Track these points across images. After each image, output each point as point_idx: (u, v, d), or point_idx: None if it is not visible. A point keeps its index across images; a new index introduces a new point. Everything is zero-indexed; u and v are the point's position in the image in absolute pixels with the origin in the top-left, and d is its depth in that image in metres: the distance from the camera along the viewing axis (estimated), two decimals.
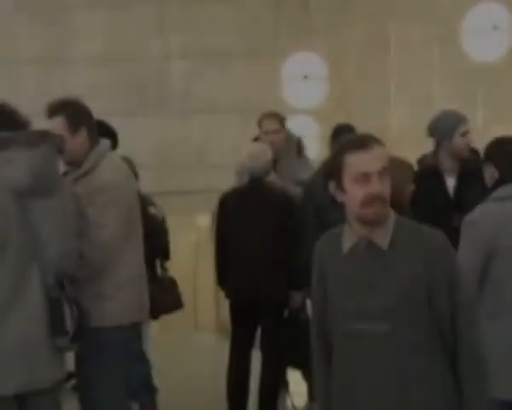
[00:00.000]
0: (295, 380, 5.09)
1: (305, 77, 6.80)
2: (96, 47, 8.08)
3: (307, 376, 5.05)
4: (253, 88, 7.80)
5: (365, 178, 2.05)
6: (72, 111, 3.24)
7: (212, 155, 8.02)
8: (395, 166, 3.82)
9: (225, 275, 4.41)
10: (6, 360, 2.71)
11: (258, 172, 4.41)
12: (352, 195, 2.07)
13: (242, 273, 4.33)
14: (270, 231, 4.33)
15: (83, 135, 3.23)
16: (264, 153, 4.45)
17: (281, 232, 4.33)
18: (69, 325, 2.81)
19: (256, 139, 4.95)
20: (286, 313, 4.49)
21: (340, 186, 2.10)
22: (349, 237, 2.14)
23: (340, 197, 2.12)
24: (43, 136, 2.79)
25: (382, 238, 2.10)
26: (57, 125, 3.21)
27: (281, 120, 4.94)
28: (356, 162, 2.06)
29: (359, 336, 2.10)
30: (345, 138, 2.19)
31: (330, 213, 3.25)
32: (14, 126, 2.80)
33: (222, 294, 4.79)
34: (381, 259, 2.10)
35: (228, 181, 5.26)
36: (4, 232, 2.70)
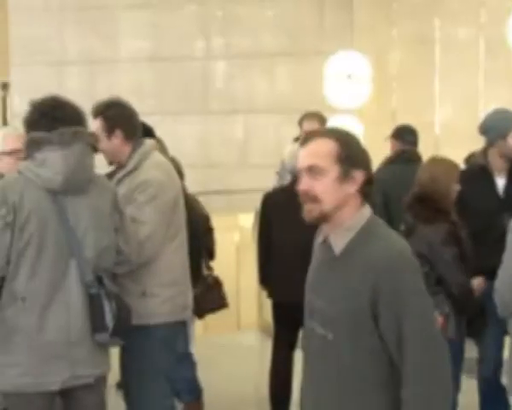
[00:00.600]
0: None
1: (349, 76, 6.76)
2: (141, 48, 8.17)
3: None
4: (295, 88, 7.79)
5: (300, 174, 2.03)
6: (110, 114, 3.30)
7: (255, 154, 8.03)
8: (440, 166, 3.81)
9: (268, 275, 4.40)
10: (49, 357, 2.76)
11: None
12: None
13: (285, 273, 4.32)
14: (313, 231, 4.31)
15: (118, 137, 3.29)
16: None
17: None
18: (108, 320, 2.82)
19: (297, 139, 4.96)
20: None
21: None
22: (323, 230, 2.11)
23: None
24: (75, 134, 2.79)
25: (338, 242, 2.01)
26: (96, 127, 3.30)
27: (321, 120, 4.95)
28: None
29: (310, 334, 2.09)
30: None
31: None
32: (55, 124, 2.79)
33: (264, 293, 4.79)
34: (332, 264, 2.03)
35: (270, 181, 5.27)
36: (42, 231, 2.74)
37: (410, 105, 7.32)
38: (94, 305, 2.82)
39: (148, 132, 3.80)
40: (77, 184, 2.81)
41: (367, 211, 2.01)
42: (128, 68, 8.11)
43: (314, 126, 4.87)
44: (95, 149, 2.93)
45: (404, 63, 7.55)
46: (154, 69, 8.09)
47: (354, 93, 6.81)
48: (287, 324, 4.39)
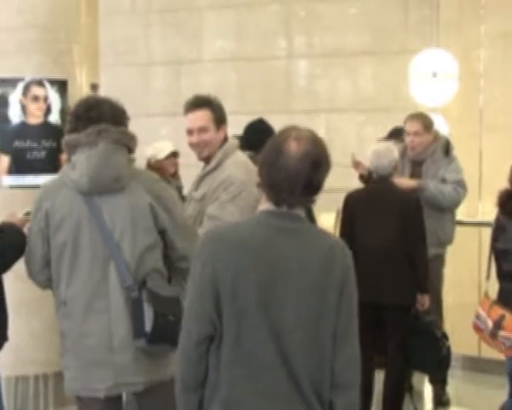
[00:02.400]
0: (421, 384, 5.00)
1: (434, 74, 6.62)
2: (224, 48, 8.26)
3: (434, 380, 4.94)
4: (378, 87, 7.69)
5: None
6: (216, 106, 3.32)
7: (337, 154, 7.91)
8: None
9: None
10: (92, 363, 2.71)
11: (382, 171, 4.35)
12: None
13: (366, 273, 4.27)
14: (395, 232, 4.27)
15: (224, 131, 3.32)
16: (389, 151, 4.39)
17: (406, 234, 4.26)
18: (148, 325, 2.68)
19: (392, 137, 4.96)
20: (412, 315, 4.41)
21: None
22: None
23: None
24: (99, 133, 2.73)
25: None
26: (203, 116, 3.24)
27: (424, 122, 4.92)
28: None
29: None
30: None
31: None
32: (90, 125, 2.75)
33: None
34: None
35: (351, 180, 5.23)
36: (76, 235, 2.71)
37: (497, 103, 7.12)
38: (134, 309, 2.70)
39: (269, 132, 3.83)
40: (103, 183, 2.72)
41: None
42: (212, 68, 8.21)
43: (414, 128, 4.87)
44: (130, 149, 2.83)
45: (491, 61, 7.34)
46: (237, 69, 8.15)
47: (440, 92, 6.67)
48: (368, 324, 4.35)
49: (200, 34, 8.32)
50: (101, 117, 2.75)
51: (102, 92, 5.09)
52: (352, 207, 4.45)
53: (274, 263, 1.99)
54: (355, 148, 6.23)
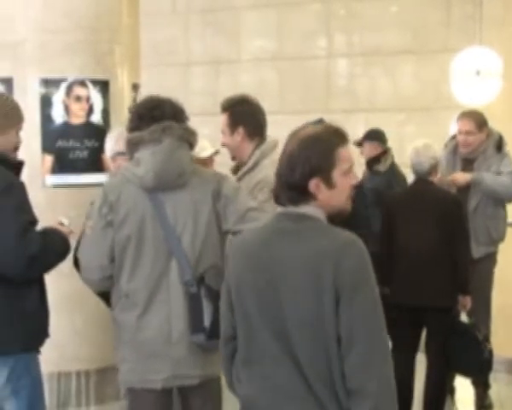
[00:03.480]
0: (464, 387, 4.94)
1: (478, 72, 6.52)
2: (264, 47, 8.27)
3: (476, 383, 4.87)
4: (419, 86, 7.61)
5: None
6: (235, 110, 3.33)
7: None
8: None
9: (390, 275, 4.35)
10: (150, 355, 2.77)
11: (420, 168, 4.31)
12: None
13: (407, 274, 4.25)
14: (436, 233, 4.22)
15: (240, 134, 3.32)
16: (428, 149, 4.33)
17: (448, 234, 4.20)
18: (207, 321, 2.73)
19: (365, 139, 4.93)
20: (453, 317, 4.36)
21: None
22: None
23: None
24: (164, 130, 2.78)
25: None
26: (223, 120, 3.32)
27: (477, 121, 4.83)
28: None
29: None
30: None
31: None
32: (153, 123, 2.81)
33: None
34: None
35: None
36: (140, 230, 2.76)
37: None
38: (193, 305, 2.75)
39: None
40: (168, 179, 2.78)
41: None
42: (251, 68, 8.22)
43: (466, 127, 4.81)
44: (191, 145, 2.89)
45: None
46: (276, 68, 8.15)
47: (483, 90, 6.56)
48: (409, 325, 4.31)
49: (240, 34, 8.34)
50: (163, 115, 2.82)
51: (143, 92, 5.14)
52: (391, 208, 4.41)
53: (271, 265, 1.99)
54: (394, 148, 6.19)
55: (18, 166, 3.03)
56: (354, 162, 2.06)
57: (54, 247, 2.97)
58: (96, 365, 4.68)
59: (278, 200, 2.06)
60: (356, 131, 7.97)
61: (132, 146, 2.85)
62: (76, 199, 4.54)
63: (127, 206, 2.77)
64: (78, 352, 4.59)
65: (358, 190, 4.61)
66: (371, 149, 5.84)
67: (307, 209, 2.02)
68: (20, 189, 2.90)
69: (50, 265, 2.99)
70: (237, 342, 2.10)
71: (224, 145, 3.48)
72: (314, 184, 1.99)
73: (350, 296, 1.89)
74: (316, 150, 1.99)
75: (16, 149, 3.07)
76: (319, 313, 1.91)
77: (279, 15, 8.20)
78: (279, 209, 2.07)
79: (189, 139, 2.88)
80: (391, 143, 6.19)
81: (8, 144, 2.99)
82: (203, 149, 5.49)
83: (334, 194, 2.02)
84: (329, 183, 2.00)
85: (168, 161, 2.77)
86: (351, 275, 1.90)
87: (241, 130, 3.32)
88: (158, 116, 2.81)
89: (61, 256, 3.02)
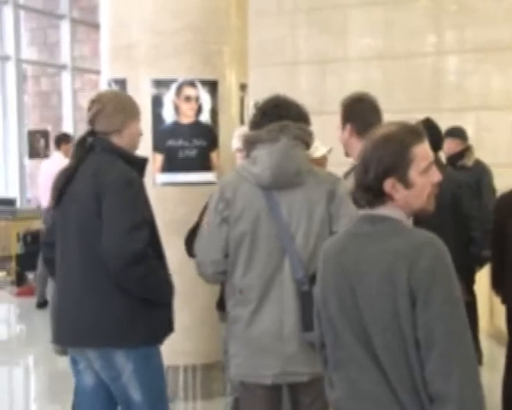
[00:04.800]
0: None
1: None
2: (371, 45, 8.17)
3: None
4: None
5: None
6: (346, 107, 3.32)
7: (487, 154, 7.67)
8: None
9: (502, 280, 4.18)
10: (261, 350, 2.80)
11: None
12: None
13: None
14: None
15: (348, 131, 3.30)
16: None
17: None
18: None
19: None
20: None
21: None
22: None
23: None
24: (281, 129, 2.81)
25: None
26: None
27: None
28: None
29: None
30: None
31: None
32: (262, 121, 2.84)
33: (497, 299, 4.56)
34: None
35: (503, 180, 5.00)
36: (255, 227, 2.79)
37: None
38: (304, 303, 2.75)
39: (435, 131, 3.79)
40: (284, 177, 2.80)
41: None
42: (358, 66, 8.15)
43: None
44: (307, 145, 2.91)
45: None
46: (383, 67, 8.05)
47: None
48: None
49: (346, 32, 8.29)
50: (288, 116, 2.86)
51: (250, 92, 5.19)
52: (504, 211, 4.22)
53: (349, 269, 1.97)
54: (507, 148, 5.98)
55: (142, 164, 3.08)
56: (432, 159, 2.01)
57: (160, 277, 2.97)
58: (202, 360, 4.77)
59: (357, 203, 2.05)
60: (467, 129, 7.79)
61: (249, 145, 2.89)
62: (185, 197, 4.65)
63: (243, 202, 2.82)
64: (185, 347, 4.69)
65: (464, 190, 4.50)
66: (452, 145, 5.73)
67: (384, 211, 1.99)
68: (138, 186, 2.95)
69: (146, 280, 2.89)
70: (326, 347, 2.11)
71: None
72: (389, 185, 1.95)
73: (426, 298, 1.84)
74: (388, 150, 1.96)
75: (139, 141, 3.14)
76: (395, 317, 1.87)
77: (386, 13, 8.09)
78: (360, 213, 2.05)
79: (306, 139, 2.91)
80: (503, 144, 5.99)
81: (130, 138, 3.06)
82: (316, 148, 5.50)
83: (413, 193, 1.97)
84: (406, 182, 1.95)
85: (284, 159, 2.80)
86: (426, 276, 1.84)
87: (348, 126, 3.32)
88: (283, 116, 2.86)
89: (155, 288, 2.95)
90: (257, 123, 2.91)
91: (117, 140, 3.01)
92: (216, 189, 2.95)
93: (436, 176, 2.00)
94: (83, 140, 3.05)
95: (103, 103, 3.01)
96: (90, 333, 2.89)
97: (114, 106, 3.02)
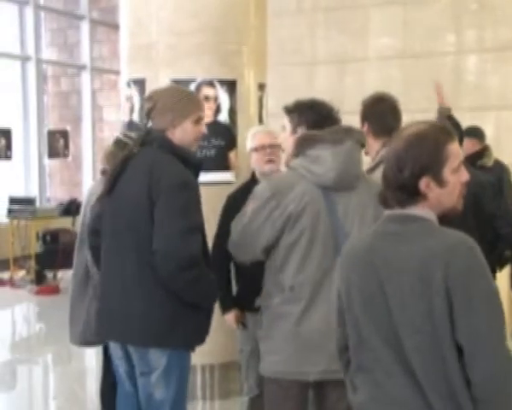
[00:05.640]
0: None
1: None
2: (390, 45, 8.13)
3: None
4: None
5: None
6: (364, 107, 3.37)
7: (507, 154, 7.61)
8: None
9: None
10: (308, 348, 2.82)
11: None
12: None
13: None
14: None
15: (365, 129, 3.32)
16: None
17: None
18: None
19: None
20: None
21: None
22: None
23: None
24: (347, 132, 2.85)
25: None
26: None
27: None
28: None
29: None
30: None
31: None
32: (325, 123, 2.88)
33: None
34: None
35: None
36: (314, 225, 2.80)
37: None
38: None
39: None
40: (347, 180, 2.84)
41: None
42: (377, 66, 8.11)
43: None
44: (363, 146, 2.97)
45: None
46: (402, 66, 8.00)
47: None
48: None
49: (366, 32, 8.25)
50: (338, 119, 2.94)
51: (269, 92, 5.18)
52: None
53: (377, 270, 1.94)
54: None
55: (198, 165, 3.06)
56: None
57: (209, 283, 2.95)
58: (220, 359, 4.77)
59: (386, 203, 2.02)
60: (486, 129, 7.72)
61: (306, 143, 2.87)
62: (203, 196, 4.63)
63: (303, 201, 2.81)
64: (203, 346, 4.67)
65: (487, 191, 4.47)
66: (470, 145, 5.69)
67: (415, 210, 1.97)
68: (193, 189, 2.93)
69: (196, 284, 2.88)
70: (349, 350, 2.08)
71: None
72: (425, 183, 1.94)
73: (465, 300, 1.81)
74: (424, 148, 1.94)
75: (196, 140, 3.06)
76: (429, 318, 1.83)
77: (405, 12, 8.05)
78: (386, 212, 2.03)
79: (364, 143, 2.99)
80: None
81: (185, 136, 2.99)
82: None
83: (446, 192, 1.96)
84: (440, 181, 1.94)
85: (349, 162, 2.83)
86: (462, 276, 1.82)
87: (366, 126, 3.33)
88: (337, 119, 2.94)
89: (202, 294, 2.94)
90: (315, 121, 2.90)
91: (171, 137, 2.96)
92: (263, 184, 2.94)
93: (465, 175, 2.00)
94: (141, 136, 3.03)
95: (154, 101, 2.99)
96: (134, 330, 2.90)
97: (164, 103, 2.97)
